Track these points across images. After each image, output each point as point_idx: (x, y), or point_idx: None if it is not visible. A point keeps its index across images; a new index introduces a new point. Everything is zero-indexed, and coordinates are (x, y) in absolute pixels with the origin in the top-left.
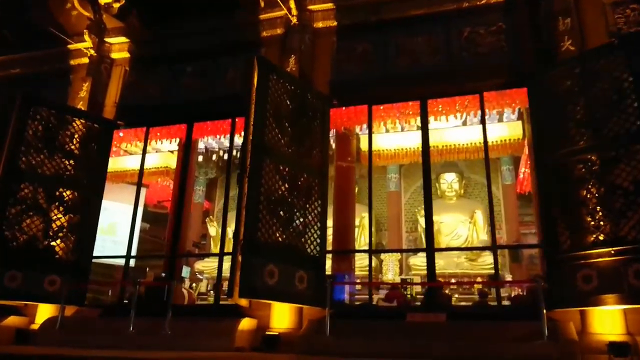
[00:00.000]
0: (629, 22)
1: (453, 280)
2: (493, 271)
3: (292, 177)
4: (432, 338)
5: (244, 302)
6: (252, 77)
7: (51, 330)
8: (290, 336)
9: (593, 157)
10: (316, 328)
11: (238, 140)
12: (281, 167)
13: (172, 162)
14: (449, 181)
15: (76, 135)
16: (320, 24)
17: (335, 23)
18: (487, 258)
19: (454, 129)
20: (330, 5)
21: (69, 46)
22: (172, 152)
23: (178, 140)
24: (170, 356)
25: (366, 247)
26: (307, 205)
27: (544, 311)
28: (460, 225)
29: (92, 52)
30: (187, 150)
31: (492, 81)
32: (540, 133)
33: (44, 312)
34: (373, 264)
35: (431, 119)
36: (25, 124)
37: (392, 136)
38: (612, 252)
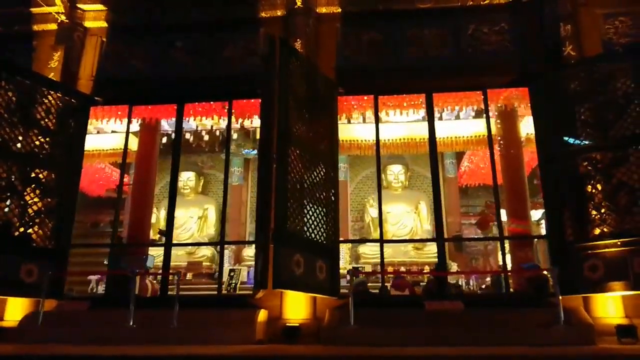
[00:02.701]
0: (618, 32)
1: (403, 269)
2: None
3: (312, 165)
4: (453, 325)
5: (260, 293)
6: (273, 58)
7: (33, 326)
8: (308, 327)
9: (598, 156)
10: (338, 318)
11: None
12: (302, 155)
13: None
14: (395, 172)
15: (52, 110)
16: (323, 10)
17: (339, 10)
18: (432, 247)
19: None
20: None
21: (33, 9)
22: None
23: (140, 120)
24: (198, 351)
25: None
26: (324, 194)
27: (560, 297)
28: (405, 216)
29: (63, 17)
30: (178, 132)
31: (496, 79)
32: (544, 131)
33: (14, 306)
34: None
35: (410, 112)
36: None
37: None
38: (619, 243)
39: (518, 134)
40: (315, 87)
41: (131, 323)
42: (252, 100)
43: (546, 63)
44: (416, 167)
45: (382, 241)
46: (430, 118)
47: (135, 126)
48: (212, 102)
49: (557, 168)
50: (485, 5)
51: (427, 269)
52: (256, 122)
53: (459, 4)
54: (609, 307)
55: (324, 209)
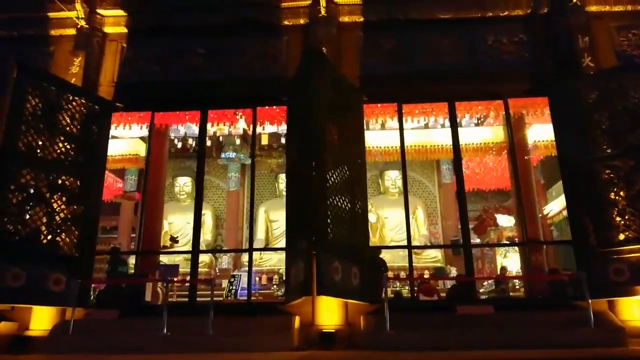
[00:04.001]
0: (631, 45)
1: (402, 274)
2: (437, 264)
3: (344, 173)
4: (484, 328)
5: (299, 300)
6: (307, 66)
7: (64, 335)
8: (342, 333)
9: (619, 164)
10: (374, 323)
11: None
12: (337, 163)
13: (141, 148)
14: (392, 178)
15: (77, 116)
16: (346, 18)
17: (362, 18)
18: (431, 252)
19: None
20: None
21: (50, 13)
22: (142, 138)
23: (147, 125)
24: (242, 358)
25: None
26: (355, 200)
27: (589, 300)
28: (403, 221)
29: (83, 22)
30: (202, 138)
31: (515, 87)
32: (565, 139)
33: (40, 315)
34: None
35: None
36: (24, 100)
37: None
38: None
39: (526, 141)
40: (344, 95)
41: (165, 331)
42: (274, 108)
43: (563, 73)
44: (412, 173)
45: (410, 247)
46: (453, 125)
47: (141, 132)
48: (235, 109)
49: (579, 175)
50: (504, 17)
51: (426, 273)
52: (268, 128)
53: (478, 14)
54: (634, 310)
55: (356, 214)
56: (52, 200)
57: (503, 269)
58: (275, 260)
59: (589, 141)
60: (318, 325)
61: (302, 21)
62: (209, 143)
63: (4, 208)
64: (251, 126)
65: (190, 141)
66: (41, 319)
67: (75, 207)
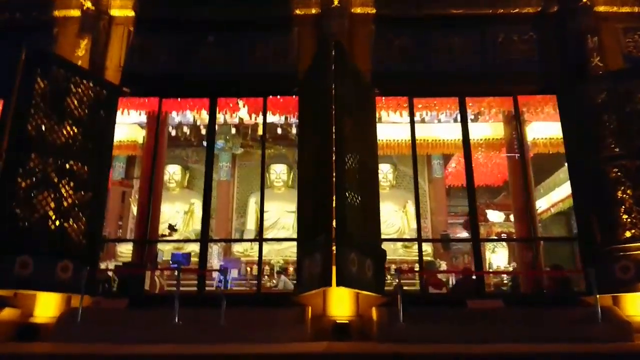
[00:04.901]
0: (637, 47)
1: (393, 267)
2: (427, 257)
3: (358, 166)
4: (494, 323)
5: (313, 291)
6: (324, 58)
7: (73, 323)
8: (354, 324)
9: (627, 164)
10: (387, 315)
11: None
12: (353, 157)
13: (139, 135)
14: (384, 172)
15: (85, 100)
16: (358, 10)
17: (374, 11)
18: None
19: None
20: None
21: None
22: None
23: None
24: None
25: None
26: (369, 193)
27: (597, 297)
28: (393, 215)
29: (89, 4)
30: (211, 126)
31: (524, 86)
32: (573, 138)
33: (45, 303)
34: None
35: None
36: (33, 83)
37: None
38: None
39: (525, 138)
40: (360, 89)
41: (176, 320)
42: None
43: (572, 73)
44: (403, 167)
45: (420, 240)
46: (463, 121)
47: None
48: (245, 98)
49: (587, 174)
50: (514, 14)
51: (417, 267)
52: (269, 118)
53: (490, 11)
54: (638, 305)
55: (369, 209)
56: (61, 186)
57: None
58: (265, 252)
59: (597, 141)
60: (330, 317)
61: (314, 11)
62: (203, 132)
63: (13, 192)
64: (253, 115)
65: (184, 129)
66: (46, 306)
67: (82, 193)
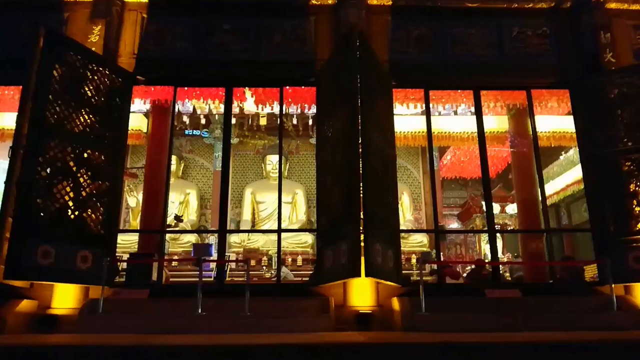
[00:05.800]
0: None
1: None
2: (423, 248)
3: (380, 156)
4: (513, 312)
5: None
6: (350, 46)
7: (96, 314)
8: (375, 314)
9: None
10: (409, 305)
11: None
12: (376, 147)
13: (143, 124)
14: None
15: (101, 87)
16: (374, 1)
17: (390, 2)
18: (417, 237)
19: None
20: None
21: None
22: (145, 114)
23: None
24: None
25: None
26: (389, 182)
27: (612, 286)
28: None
29: None
30: (227, 116)
31: (538, 80)
32: (586, 131)
33: (63, 294)
34: None
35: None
36: (51, 69)
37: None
38: None
39: (529, 131)
40: (379, 79)
41: (200, 311)
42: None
43: (585, 67)
44: (397, 159)
45: (437, 231)
46: (478, 114)
47: (143, 107)
48: (254, 89)
49: (599, 167)
50: (529, 9)
51: (413, 257)
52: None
53: (504, 5)
54: None
55: (390, 200)
56: (79, 175)
57: None
58: (263, 242)
59: (610, 135)
60: (352, 307)
61: (330, 1)
62: (203, 121)
63: (33, 181)
64: (260, 105)
65: (184, 118)
66: (64, 297)
67: (100, 182)
